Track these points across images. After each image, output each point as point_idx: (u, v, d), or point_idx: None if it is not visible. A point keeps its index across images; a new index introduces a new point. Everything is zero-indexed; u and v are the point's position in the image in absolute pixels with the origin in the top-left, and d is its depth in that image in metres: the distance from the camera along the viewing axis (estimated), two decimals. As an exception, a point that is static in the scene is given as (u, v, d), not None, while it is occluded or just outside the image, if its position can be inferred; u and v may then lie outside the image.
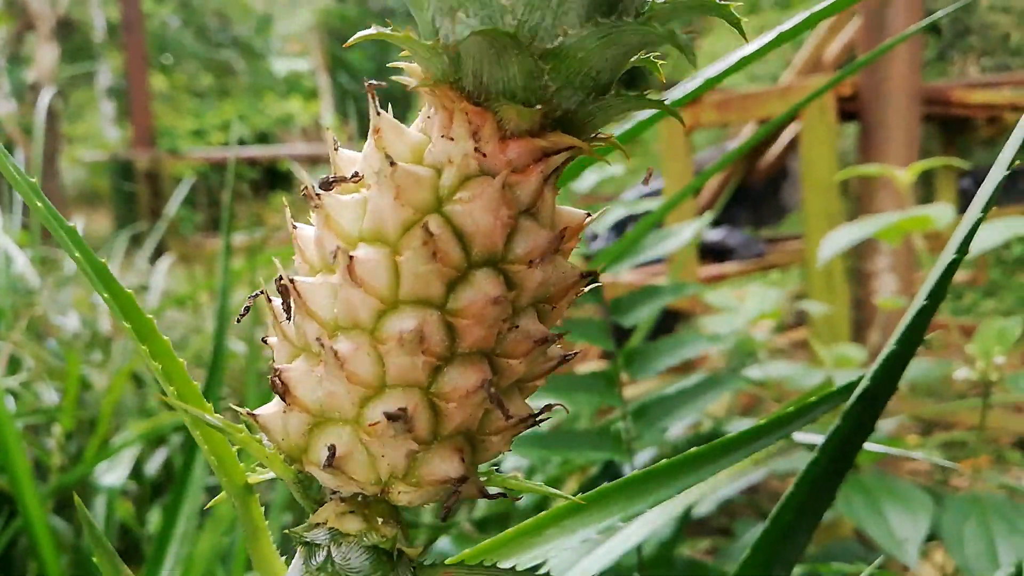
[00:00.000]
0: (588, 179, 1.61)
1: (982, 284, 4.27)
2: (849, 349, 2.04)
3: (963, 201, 4.35)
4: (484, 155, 0.27)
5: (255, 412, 0.30)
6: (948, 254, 0.60)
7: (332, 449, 0.27)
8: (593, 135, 0.28)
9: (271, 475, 0.34)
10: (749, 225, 3.67)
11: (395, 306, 0.27)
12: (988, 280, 4.50)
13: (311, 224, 0.31)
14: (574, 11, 0.25)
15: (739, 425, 1.31)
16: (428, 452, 0.28)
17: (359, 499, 0.30)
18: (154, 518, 1.51)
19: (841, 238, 1.68)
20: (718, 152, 3.72)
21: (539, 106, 0.26)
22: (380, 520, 0.29)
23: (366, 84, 0.28)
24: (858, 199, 2.93)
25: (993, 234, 1.53)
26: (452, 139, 0.27)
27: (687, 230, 1.28)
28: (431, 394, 0.28)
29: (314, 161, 5.85)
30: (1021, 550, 1.40)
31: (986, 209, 0.51)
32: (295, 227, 0.30)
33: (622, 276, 2.56)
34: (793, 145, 3.56)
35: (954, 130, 3.76)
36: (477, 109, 0.26)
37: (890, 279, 2.59)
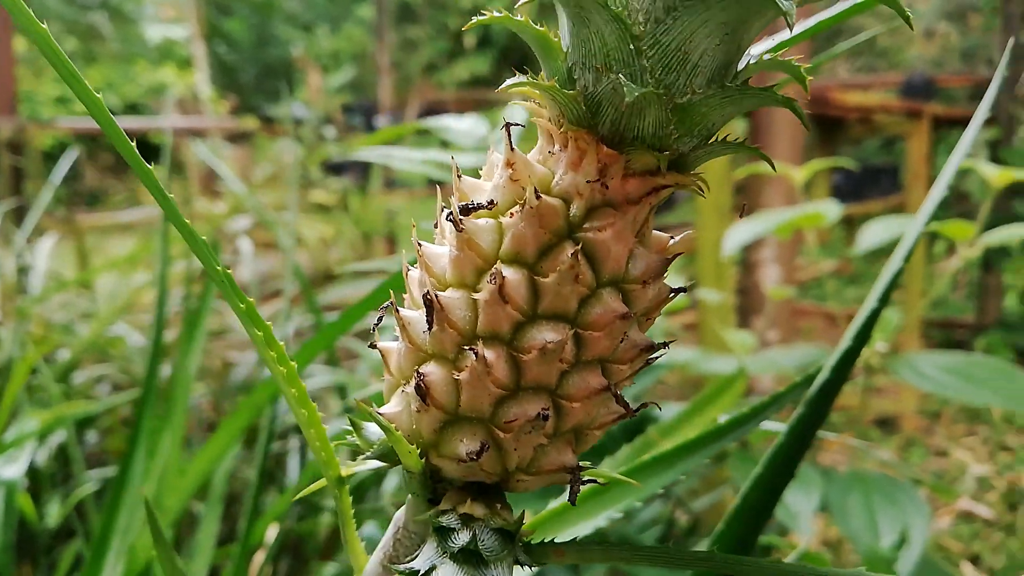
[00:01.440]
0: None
1: (847, 273, 4.61)
2: (742, 335, 2.18)
3: (835, 195, 4.70)
4: (607, 188, 0.31)
5: (382, 411, 0.34)
6: (898, 258, 0.69)
7: (483, 446, 0.31)
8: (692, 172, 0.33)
9: (361, 468, 0.38)
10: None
11: (534, 320, 0.31)
12: (852, 270, 4.85)
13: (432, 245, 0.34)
14: (701, 74, 0.30)
15: (668, 411, 1.39)
16: (548, 446, 0.33)
17: (475, 487, 0.34)
18: (53, 511, 1.46)
19: (743, 233, 1.81)
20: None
21: (666, 152, 0.31)
22: (499, 505, 0.34)
23: (503, 125, 0.32)
24: (744, 192, 3.10)
25: (881, 232, 1.69)
26: (582, 174, 0.31)
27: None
28: (556, 395, 0.32)
29: (195, 134, 5.61)
30: (898, 520, 1.56)
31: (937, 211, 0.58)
32: (421, 245, 0.34)
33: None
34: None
35: (827, 129, 4.03)
36: (611, 152, 0.31)
37: (773, 269, 2.77)
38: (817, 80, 4.32)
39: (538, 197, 0.30)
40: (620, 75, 0.28)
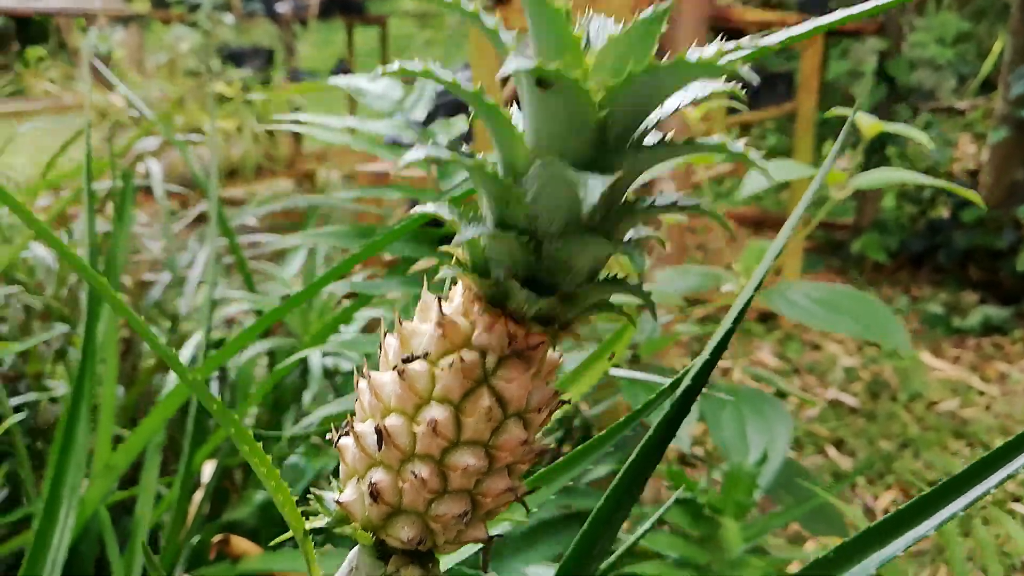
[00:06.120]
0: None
1: (741, 174, 4.82)
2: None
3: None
4: (514, 344, 0.42)
5: (340, 500, 0.45)
6: (787, 229, 0.79)
7: (422, 538, 0.42)
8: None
9: (321, 524, 0.49)
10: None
11: (457, 445, 0.42)
12: (745, 172, 5.07)
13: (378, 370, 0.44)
14: (581, 275, 0.40)
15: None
16: (467, 527, 0.44)
17: (411, 551, 0.45)
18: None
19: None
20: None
21: (555, 324, 0.41)
22: (431, 565, 0.45)
23: (436, 300, 0.42)
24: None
25: (764, 178, 1.84)
26: (494, 337, 0.42)
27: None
28: (473, 493, 0.43)
29: (81, 16, 5.26)
30: (765, 431, 1.76)
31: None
32: (369, 377, 0.44)
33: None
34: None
35: (727, 38, 4.13)
36: (519, 327, 0.41)
37: (668, 185, 2.92)
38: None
39: (463, 360, 0.41)
40: (527, 290, 0.39)
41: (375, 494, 0.43)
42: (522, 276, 0.40)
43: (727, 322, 0.70)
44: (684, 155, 0.37)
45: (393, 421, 0.43)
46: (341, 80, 1.30)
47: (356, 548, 0.49)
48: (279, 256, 2.56)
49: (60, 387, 1.76)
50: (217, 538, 1.14)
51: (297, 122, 1.15)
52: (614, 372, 1.30)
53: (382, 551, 0.46)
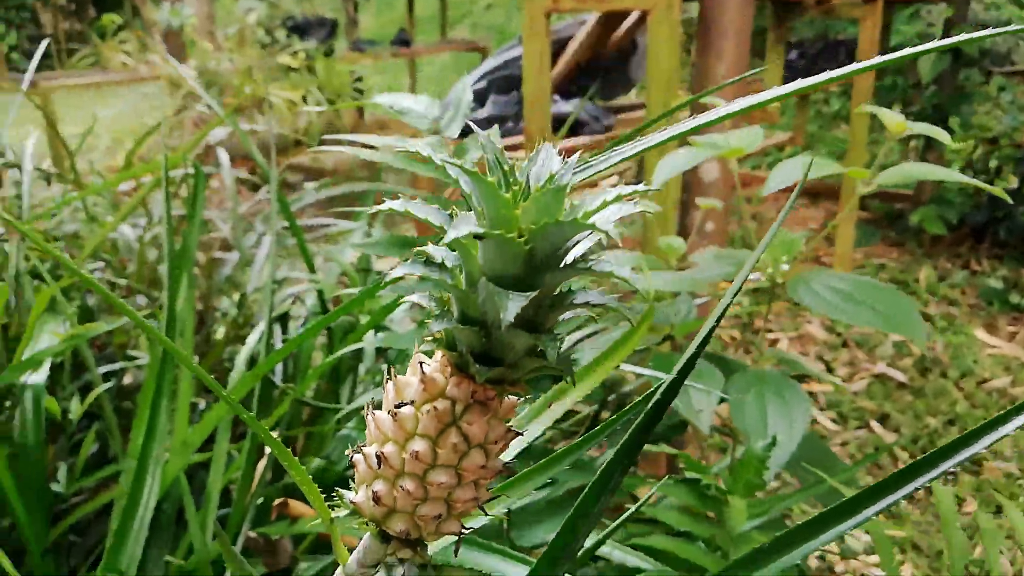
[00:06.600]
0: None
1: (800, 144, 4.83)
2: (673, 241, 2.42)
3: (789, 72, 4.83)
4: (477, 395, 0.58)
5: (353, 500, 0.62)
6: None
7: (411, 531, 0.59)
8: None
9: (342, 514, 0.66)
10: (598, 96, 3.97)
11: (434, 467, 0.58)
12: (806, 138, 5.06)
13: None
14: (520, 350, 0.55)
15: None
16: (443, 522, 0.61)
17: (405, 539, 0.62)
18: (73, 406, 1.70)
19: (675, 163, 2.03)
20: (575, 24, 3.96)
21: (506, 383, 0.57)
22: (419, 548, 0.62)
23: (420, 375, 0.58)
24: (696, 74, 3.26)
25: (790, 173, 1.93)
26: (461, 391, 0.57)
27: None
28: (448, 500, 0.60)
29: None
30: (785, 415, 1.87)
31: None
32: (374, 415, 0.60)
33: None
34: (642, 20, 3.82)
35: (783, 11, 4.14)
36: (481, 387, 0.57)
37: (712, 163, 3.00)
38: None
39: (438, 408, 0.57)
40: (479, 364, 0.54)
41: (376, 499, 0.59)
42: (477, 353, 0.56)
43: (701, 336, 0.83)
44: (589, 274, 0.51)
45: (389, 448, 0.59)
46: (385, 99, 1.45)
47: (367, 534, 0.66)
48: (339, 234, 2.75)
49: (143, 357, 1.97)
50: (278, 501, 1.35)
51: (349, 143, 1.31)
52: (625, 367, 1.45)
53: (384, 537, 0.63)
